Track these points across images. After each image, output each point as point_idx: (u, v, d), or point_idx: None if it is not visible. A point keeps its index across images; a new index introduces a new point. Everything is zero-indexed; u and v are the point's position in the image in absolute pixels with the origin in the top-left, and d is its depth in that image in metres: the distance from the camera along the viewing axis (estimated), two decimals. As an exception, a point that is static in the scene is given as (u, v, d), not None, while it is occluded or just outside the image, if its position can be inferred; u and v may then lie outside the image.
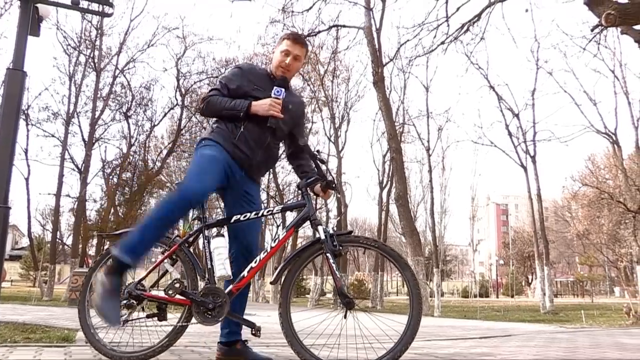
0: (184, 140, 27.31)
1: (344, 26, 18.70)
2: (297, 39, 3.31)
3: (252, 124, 3.13)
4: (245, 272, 3.01)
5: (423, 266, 14.30)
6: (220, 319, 2.94)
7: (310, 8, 15.05)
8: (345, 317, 2.86)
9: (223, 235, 3.07)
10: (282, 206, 3.34)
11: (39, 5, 5.64)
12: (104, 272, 2.87)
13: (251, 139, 3.14)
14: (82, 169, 22.87)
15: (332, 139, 25.75)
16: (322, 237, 2.94)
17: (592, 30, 10.23)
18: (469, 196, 33.81)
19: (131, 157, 26.93)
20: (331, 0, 15.34)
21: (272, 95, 3.14)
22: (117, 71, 24.23)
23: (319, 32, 17.88)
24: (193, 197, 2.93)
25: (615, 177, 27.27)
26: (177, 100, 25.98)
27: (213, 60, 26.36)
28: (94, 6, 6.99)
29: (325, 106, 26.15)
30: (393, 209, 24.50)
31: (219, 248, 3.02)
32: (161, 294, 3.00)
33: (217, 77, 3.99)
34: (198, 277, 3.06)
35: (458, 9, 12.47)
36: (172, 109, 26.36)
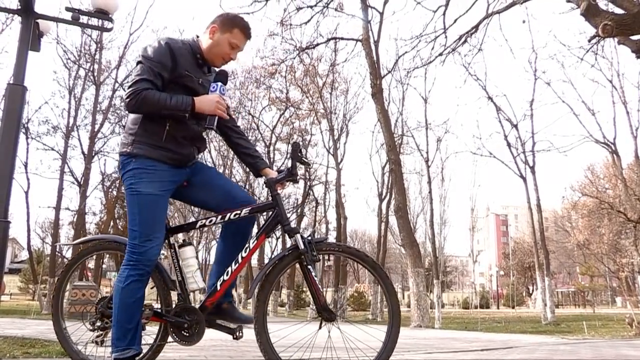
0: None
1: (342, 38, 18.79)
2: (250, 34, 2.96)
3: (175, 121, 2.79)
4: (217, 285, 2.84)
5: (423, 278, 14.26)
6: (199, 339, 2.80)
7: (309, 21, 15.10)
8: (320, 328, 2.81)
9: (191, 243, 2.92)
10: (249, 208, 2.94)
11: (39, 20, 5.69)
12: None
13: (179, 135, 2.82)
14: (81, 182, 22.83)
15: (331, 151, 25.80)
16: (301, 246, 2.79)
17: (589, 40, 10.26)
18: (469, 207, 33.72)
19: (130, 170, 26.89)
20: (329, 13, 15.40)
21: (217, 92, 2.82)
22: (117, 84, 24.24)
23: (317, 44, 17.97)
24: (152, 264, 2.74)
25: (615, 187, 27.30)
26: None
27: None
28: (94, 21, 7.04)
29: (324, 118, 26.22)
30: (393, 220, 24.49)
31: (188, 259, 2.86)
32: None
33: (144, 57, 2.66)
34: (170, 293, 2.90)
35: (455, 20, 12.52)
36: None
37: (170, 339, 2.86)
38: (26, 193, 23.31)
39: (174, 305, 2.89)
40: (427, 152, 23.06)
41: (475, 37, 12.44)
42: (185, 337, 2.79)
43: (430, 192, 23.05)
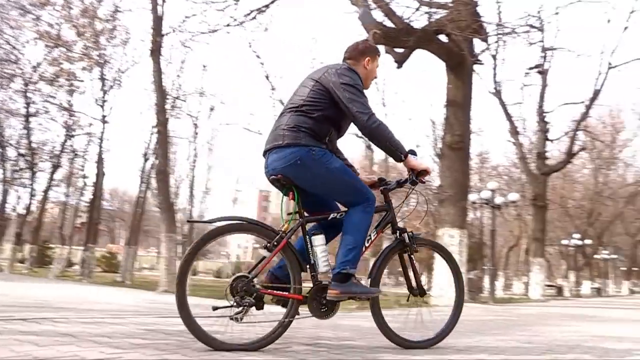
0: None
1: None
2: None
3: (335, 133, 3.39)
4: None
5: (175, 243, 14.27)
6: (333, 314, 3.22)
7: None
8: (407, 300, 3.64)
9: (322, 232, 3.27)
10: None
11: None
12: (343, 284, 3.14)
13: (332, 140, 3.41)
14: None
15: (99, 102, 24.16)
16: (407, 240, 3.56)
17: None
18: (234, 179, 34.52)
19: None
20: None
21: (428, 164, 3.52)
22: None
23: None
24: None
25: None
26: None
27: None
28: None
29: (97, 66, 24.31)
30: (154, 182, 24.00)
31: (321, 246, 3.23)
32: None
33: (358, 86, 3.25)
34: (301, 273, 3.21)
35: (247, -7, 12.66)
36: None
37: (297, 316, 3.15)
38: None
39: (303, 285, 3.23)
40: (197, 119, 22.99)
41: (265, 16, 12.76)
42: (323, 312, 3.20)
43: (194, 158, 23.07)
